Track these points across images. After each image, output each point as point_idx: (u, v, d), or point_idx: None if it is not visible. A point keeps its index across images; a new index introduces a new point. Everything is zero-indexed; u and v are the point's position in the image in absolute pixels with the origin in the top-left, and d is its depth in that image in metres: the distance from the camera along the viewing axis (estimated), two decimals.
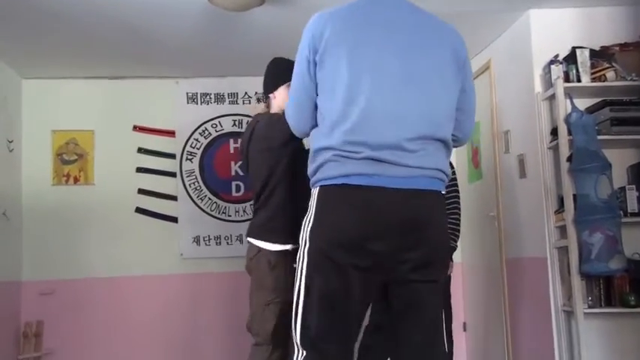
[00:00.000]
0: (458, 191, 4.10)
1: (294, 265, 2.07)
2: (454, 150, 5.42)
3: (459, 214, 4.05)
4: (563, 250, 3.90)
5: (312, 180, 2.00)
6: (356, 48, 1.96)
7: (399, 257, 1.92)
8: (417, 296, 1.97)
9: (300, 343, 1.93)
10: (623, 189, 3.89)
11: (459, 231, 4.04)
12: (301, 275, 1.96)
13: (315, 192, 1.99)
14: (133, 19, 4.10)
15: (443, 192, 2.01)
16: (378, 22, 2.02)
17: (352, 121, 1.91)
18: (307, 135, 2.13)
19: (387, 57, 1.96)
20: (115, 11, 3.98)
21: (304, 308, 1.93)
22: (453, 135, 2.12)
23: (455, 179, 4.11)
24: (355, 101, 1.91)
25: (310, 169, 2.01)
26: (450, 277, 4.03)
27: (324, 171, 1.94)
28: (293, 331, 1.95)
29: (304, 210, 2.04)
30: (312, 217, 1.96)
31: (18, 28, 4.22)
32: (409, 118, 1.93)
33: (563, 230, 3.91)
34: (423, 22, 2.08)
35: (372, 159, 1.89)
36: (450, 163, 4.11)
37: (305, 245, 1.96)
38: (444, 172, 2.00)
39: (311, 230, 1.95)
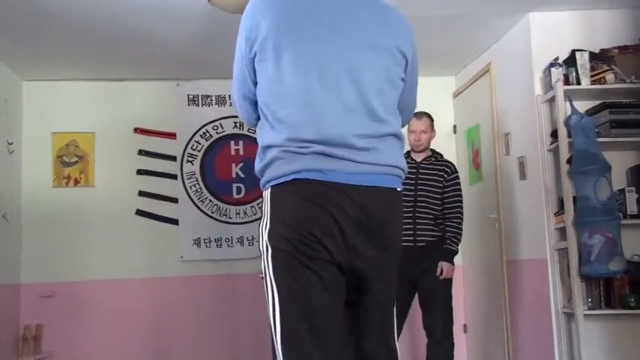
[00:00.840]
0: (461, 195, 4.12)
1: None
2: (455, 152, 5.47)
3: (462, 218, 4.08)
4: (563, 252, 3.92)
5: (262, 182, 1.88)
6: (298, 38, 1.82)
7: (354, 255, 1.81)
8: (371, 297, 1.88)
9: (285, 356, 1.77)
10: (622, 191, 3.90)
11: (461, 235, 4.06)
12: (271, 285, 1.81)
13: (266, 194, 1.85)
14: (133, 21, 4.11)
15: (399, 189, 1.90)
16: (325, 7, 1.88)
17: (295, 118, 1.80)
18: (255, 124, 2.01)
19: (332, 48, 1.84)
20: (115, 13, 3.99)
21: (283, 318, 1.77)
22: None
23: (459, 183, 4.13)
24: (297, 96, 1.81)
25: (258, 166, 1.88)
26: (451, 279, 4.04)
27: (272, 170, 1.82)
28: (276, 346, 1.78)
29: None
30: (268, 220, 1.82)
31: (19, 30, 4.23)
32: (356, 114, 1.82)
33: (563, 232, 3.92)
34: (373, 11, 1.94)
35: (322, 154, 1.78)
36: (453, 165, 4.15)
37: (267, 252, 1.81)
38: (400, 169, 1.90)
39: (269, 234, 1.81)
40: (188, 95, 5.37)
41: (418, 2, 3.97)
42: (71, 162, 5.26)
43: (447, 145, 5.31)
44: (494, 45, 4.78)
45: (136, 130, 5.32)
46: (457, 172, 4.16)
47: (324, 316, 1.77)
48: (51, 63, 4.91)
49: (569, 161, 3.84)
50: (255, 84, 1.91)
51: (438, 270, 3.97)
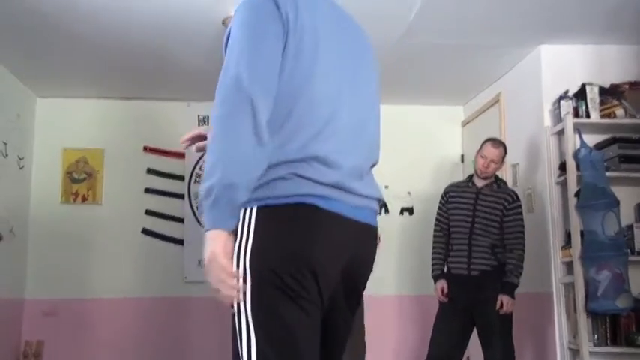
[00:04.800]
0: (523, 225, 3.92)
1: None
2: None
3: (524, 249, 3.87)
4: (570, 286, 3.88)
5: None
6: (318, 44, 1.57)
7: (337, 301, 1.62)
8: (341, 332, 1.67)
9: None
10: (630, 227, 3.87)
11: (522, 267, 3.86)
12: (247, 324, 1.49)
13: (250, 214, 1.52)
14: (147, 40, 4.16)
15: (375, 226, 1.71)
16: (330, 18, 1.66)
17: (320, 132, 1.53)
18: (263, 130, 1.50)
19: (343, 60, 1.64)
20: (129, 33, 4.04)
21: None
22: None
23: (520, 213, 3.94)
24: (320, 108, 1.55)
25: None
26: (511, 312, 3.83)
27: (267, 189, 1.51)
28: None
29: None
30: (250, 244, 1.50)
31: (35, 48, 4.28)
32: (371, 139, 1.67)
33: (569, 266, 3.89)
34: (355, 26, 1.76)
35: (333, 184, 1.54)
36: (515, 194, 3.96)
37: (246, 283, 1.50)
38: (380, 204, 1.72)
39: (252, 261, 1.49)
40: (198, 116, 5.40)
41: (429, 31, 3.99)
42: (80, 178, 5.28)
43: (454, 174, 5.30)
44: (504, 76, 4.79)
45: (145, 148, 5.35)
46: (519, 202, 3.95)
47: None
48: (65, 80, 4.96)
49: (577, 195, 3.81)
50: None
51: (498, 303, 3.76)
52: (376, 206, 1.70)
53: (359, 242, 1.62)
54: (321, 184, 1.52)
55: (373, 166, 1.73)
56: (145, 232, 5.25)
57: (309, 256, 1.50)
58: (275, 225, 1.51)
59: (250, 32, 1.55)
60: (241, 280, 1.50)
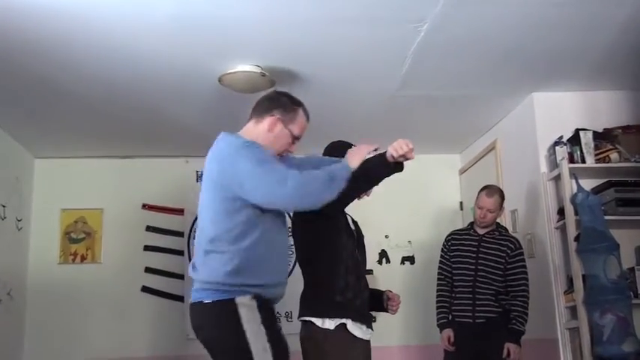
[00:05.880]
0: (526, 272, 3.92)
1: None
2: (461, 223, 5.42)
3: (528, 296, 3.87)
4: (575, 332, 3.85)
5: None
6: None
7: None
8: None
9: None
10: (632, 270, 3.86)
11: (527, 314, 3.85)
12: None
13: None
14: (144, 99, 4.20)
15: (207, 301, 2.30)
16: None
17: None
18: None
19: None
20: (127, 92, 4.08)
21: None
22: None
23: (523, 260, 3.96)
24: None
25: None
26: None
27: None
28: None
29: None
30: None
31: (32, 109, 4.32)
32: (203, 236, 2.48)
33: (573, 311, 3.87)
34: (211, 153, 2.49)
35: None
36: (517, 241, 3.98)
37: None
38: (206, 282, 2.34)
39: None
40: (197, 172, 5.42)
41: (422, 83, 4.06)
42: (78, 238, 5.27)
43: (454, 221, 5.31)
44: (499, 123, 4.85)
45: (144, 206, 5.36)
46: (522, 249, 3.98)
47: None
48: (63, 141, 5.00)
49: (576, 239, 3.82)
50: None
51: (505, 351, 3.77)
52: (199, 285, 2.35)
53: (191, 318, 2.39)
54: None
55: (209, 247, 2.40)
56: (145, 289, 5.22)
57: None
58: None
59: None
60: None
